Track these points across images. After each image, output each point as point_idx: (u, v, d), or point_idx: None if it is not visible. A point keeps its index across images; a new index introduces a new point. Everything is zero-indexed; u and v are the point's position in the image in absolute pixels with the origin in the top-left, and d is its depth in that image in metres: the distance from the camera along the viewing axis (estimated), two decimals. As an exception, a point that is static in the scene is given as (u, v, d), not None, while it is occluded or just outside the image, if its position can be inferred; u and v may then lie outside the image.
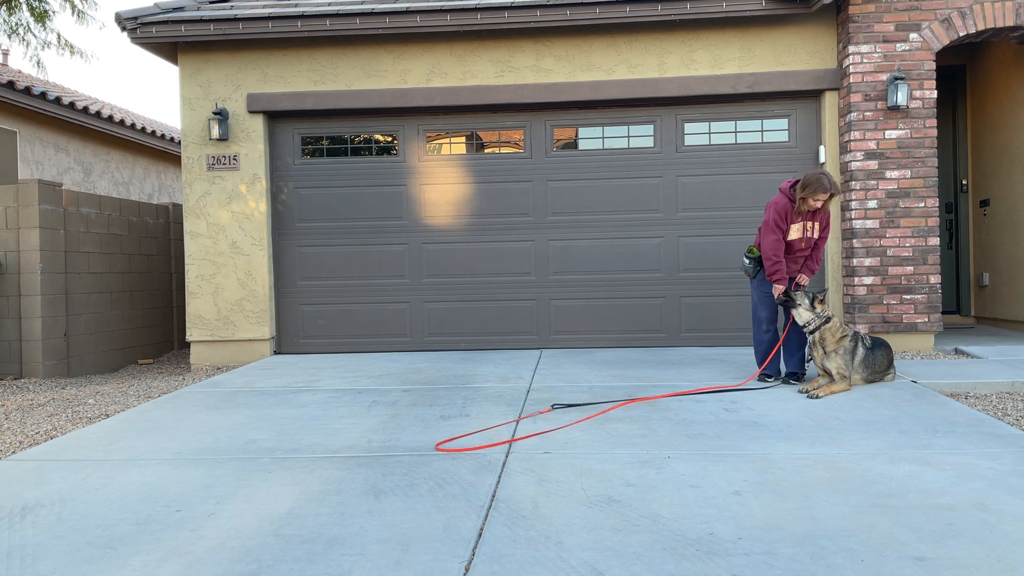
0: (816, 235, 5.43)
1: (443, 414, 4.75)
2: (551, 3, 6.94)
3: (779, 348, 5.55)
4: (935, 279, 6.88)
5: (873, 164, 6.88)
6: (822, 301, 5.29)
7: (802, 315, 5.26)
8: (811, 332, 5.25)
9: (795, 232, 5.37)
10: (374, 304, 7.69)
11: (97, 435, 4.48)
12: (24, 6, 9.40)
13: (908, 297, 6.89)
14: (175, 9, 7.44)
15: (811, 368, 5.69)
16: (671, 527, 2.84)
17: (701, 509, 3.01)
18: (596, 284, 7.52)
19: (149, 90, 54.77)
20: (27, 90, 9.68)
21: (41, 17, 9.47)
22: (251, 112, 7.51)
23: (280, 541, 2.80)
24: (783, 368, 5.64)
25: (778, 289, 5.36)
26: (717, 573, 2.45)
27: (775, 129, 7.38)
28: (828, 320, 5.21)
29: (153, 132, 12.39)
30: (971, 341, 7.13)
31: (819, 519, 2.88)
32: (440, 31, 7.16)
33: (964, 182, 8.60)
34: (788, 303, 5.36)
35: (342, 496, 3.27)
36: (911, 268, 6.88)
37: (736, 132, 7.42)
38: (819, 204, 5.23)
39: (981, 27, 6.78)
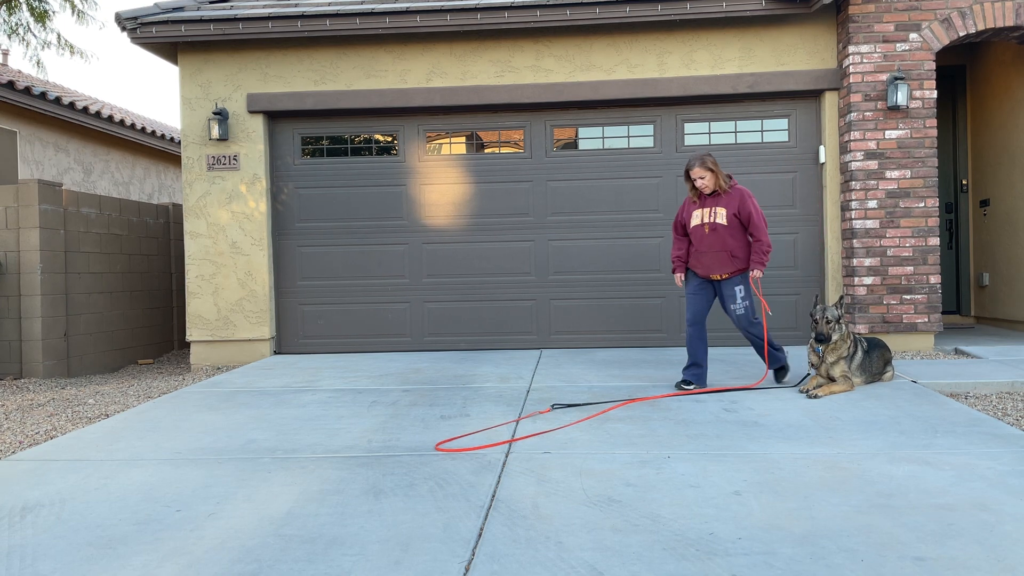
0: (722, 220, 5.05)
1: (443, 414, 4.75)
2: (551, 3, 6.94)
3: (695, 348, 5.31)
4: (935, 279, 6.88)
5: (873, 164, 6.88)
6: (841, 317, 5.08)
7: (834, 337, 5.09)
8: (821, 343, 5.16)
9: (695, 219, 5.18)
10: (374, 304, 7.69)
11: (97, 435, 4.48)
12: (24, 6, 9.40)
13: (908, 297, 6.89)
14: (175, 9, 7.44)
15: (801, 368, 5.66)
16: (671, 527, 2.84)
17: (701, 509, 3.01)
18: (596, 284, 7.52)
19: (149, 90, 54.78)
20: (27, 90, 9.68)
21: (41, 17, 9.48)
22: (251, 112, 7.51)
23: (280, 541, 2.80)
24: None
25: (676, 277, 5.36)
26: (717, 573, 2.45)
27: (775, 129, 7.38)
28: (842, 333, 5.12)
29: (153, 132, 12.39)
30: (971, 341, 7.13)
31: (819, 519, 2.88)
32: (440, 31, 7.16)
33: (964, 182, 8.60)
34: (823, 339, 5.04)
35: (342, 496, 3.27)
36: (911, 268, 6.88)
37: (736, 132, 7.42)
38: (701, 182, 5.07)
39: (981, 27, 6.78)
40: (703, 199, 5.17)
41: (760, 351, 5.32)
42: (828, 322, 5.06)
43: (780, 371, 5.44)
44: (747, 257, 5.14)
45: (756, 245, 5.08)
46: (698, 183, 5.10)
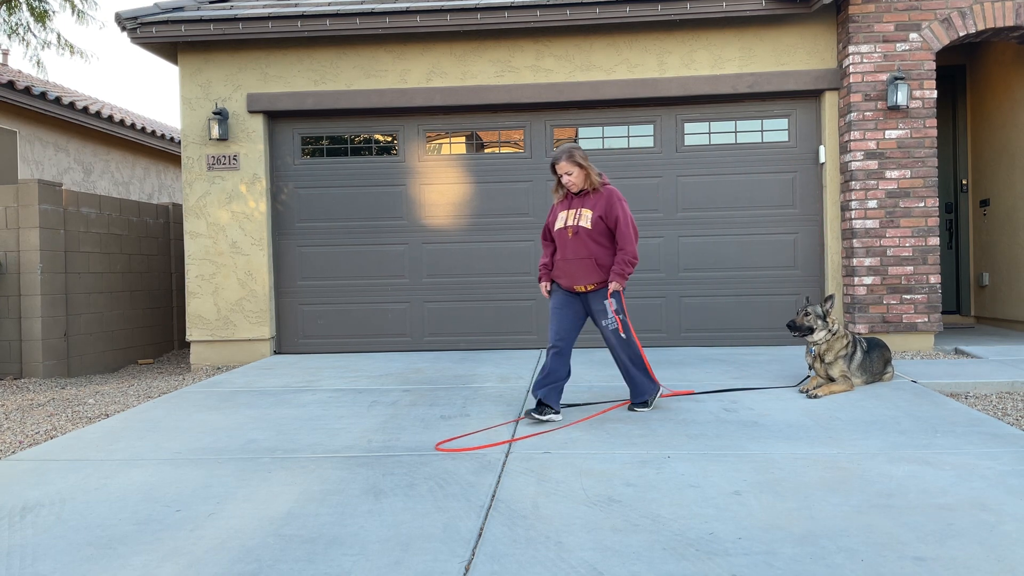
0: (585, 223, 4.46)
1: (443, 414, 4.75)
2: (551, 3, 6.94)
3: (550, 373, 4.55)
4: (935, 279, 6.88)
5: (873, 164, 6.88)
6: (830, 313, 5.10)
7: (817, 336, 5.10)
8: (815, 344, 5.16)
9: (560, 221, 4.58)
10: (374, 304, 7.69)
11: (97, 435, 4.48)
12: (24, 6, 9.40)
13: (908, 297, 6.89)
14: (175, 9, 7.44)
15: (801, 370, 5.63)
16: (671, 527, 2.84)
17: (701, 509, 3.01)
18: (596, 284, 7.50)
19: (149, 90, 54.79)
20: (27, 90, 9.68)
21: (41, 17, 9.48)
22: (251, 112, 7.51)
23: (280, 541, 2.80)
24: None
25: (541, 286, 4.74)
26: (717, 573, 2.45)
27: (775, 129, 7.38)
28: (834, 332, 5.14)
29: (153, 132, 12.39)
30: (971, 341, 7.13)
31: (819, 519, 2.88)
32: (440, 31, 7.16)
33: (964, 182, 8.60)
34: (803, 332, 5.05)
35: (342, 496, 3.27)
36: (911, 268, 6.88)
37: (736, 132, 7.42)
38: (568, 179, 4.48)
39: (981, 27, 6.78)
40: (570, 199, 4.59)
41: (632, 375, 4.63)
42: (807, 315, 5.10)
43: (642, 404, 4.70)
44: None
45: (619, 254, 4.47)
46: (564, 179, 4.51)
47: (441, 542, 2.75)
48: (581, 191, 4.55)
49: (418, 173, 7.66)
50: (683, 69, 7.26)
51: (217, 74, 7.54)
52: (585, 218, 4.48)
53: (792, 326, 5.14)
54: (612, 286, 4.47)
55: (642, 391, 4.69)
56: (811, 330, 5.09)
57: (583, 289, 4.55)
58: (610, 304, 4.49)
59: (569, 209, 4.57)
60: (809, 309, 5.12)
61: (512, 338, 7.59)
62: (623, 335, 4.56)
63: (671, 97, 7.30)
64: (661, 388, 4.84)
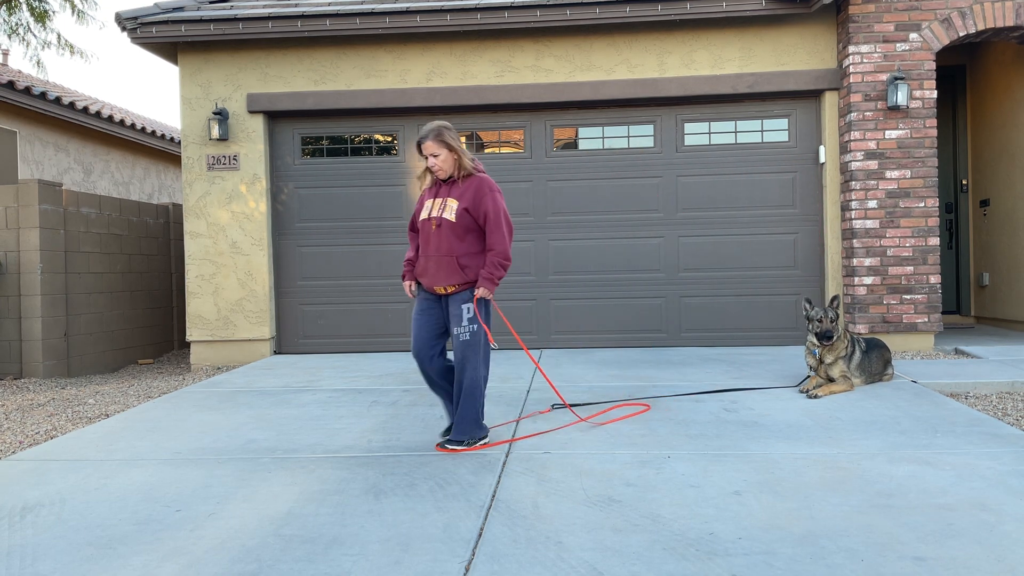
0: (449, 215, 3.86)
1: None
2: (551, 3, 6.94)
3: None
4: (935, 279, 6.88)
5: (873, 164, 6.88)
6: (838, 317, 5.10)
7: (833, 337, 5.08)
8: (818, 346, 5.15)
9: (424, 211, 4.00)
10: (374, 304, 7.69)
11: (97, 435, 4.48)
12: (24, 6, 9.40)
13: (908, 297, 6.89)
14: (175, 9, 7.44)
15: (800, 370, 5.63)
16: (671, 527, 2.84)
17: (701, 509, 3.01)
18: (596, 284, 7.51)
19: (149, 90, 54.80)
20: (27, 90, 9.68)
21: (41, 17, 9.48)
22: (251, 112, 7.51)
23: (280, 541, 2.80)
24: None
25: (405, 286, 4.11)
26: (717, 573, 2.45)
27: (775, 129, 7.38)
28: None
29: (153, 132, 12.39)
30: (971, 341, 7.13)
31: (819, 519, 2.88)
32: (440, 31, 7.16)
33: (964, 182, 8.60)
34: (829, 336, 5.00)
35: (342, 496, 3.27)
36: (911, 268, 6.88)
37: (736, 132, 7.42)
38: (435, 161, 3.91)
39: (981, 27, 6.78)
40: (439, 187, 4.00)
41: (460, 404, 3.93)
42: (833, 321, 5.06)
43: (456, 443, 3.93)
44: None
45: (489, 255, 3.87)
46: (431, 163, 3.92)
47: (441, 542, 2.75)
48: (450, 178, 3.97)
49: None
50: (683, 69, 7.26)
51: (217, 74, 7.54)
52: (450, 209, 3.87)
53: (828, 335, 5.02)
54: (479, 292, 3.86)
55: (462, 429, 3.93)
56: (834, 335, 5.06)
57: (443, 291, 3.92)
58: (468, 310, 3.88)
59: (436, 198, 3.97)
60: (832, 314, 5.06)
61: (512, 338, 7.58)
62: (471, 352, 3.89)
63: (671, 97, 7.30)
64: (487, 438, 4.02)
